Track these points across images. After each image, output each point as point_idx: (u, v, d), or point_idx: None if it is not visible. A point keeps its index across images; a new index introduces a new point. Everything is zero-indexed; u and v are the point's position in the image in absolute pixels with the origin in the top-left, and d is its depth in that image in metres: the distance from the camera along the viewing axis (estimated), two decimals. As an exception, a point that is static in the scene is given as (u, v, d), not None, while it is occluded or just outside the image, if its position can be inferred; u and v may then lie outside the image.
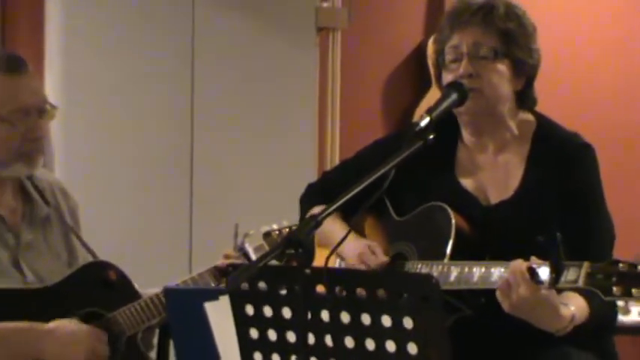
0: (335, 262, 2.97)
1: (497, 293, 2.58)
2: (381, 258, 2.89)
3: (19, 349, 2.87)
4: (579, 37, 5.28)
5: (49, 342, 2.88)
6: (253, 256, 3.21)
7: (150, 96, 4.46)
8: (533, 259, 2.55)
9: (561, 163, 2.89)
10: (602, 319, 2.77)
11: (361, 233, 3.05)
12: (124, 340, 3.02)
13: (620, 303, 2.69)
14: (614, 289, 2.40)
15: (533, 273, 2.53)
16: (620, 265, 2.41)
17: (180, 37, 4.49)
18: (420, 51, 5.06)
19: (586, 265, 2.45)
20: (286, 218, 3.30)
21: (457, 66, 2.89)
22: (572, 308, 2.66)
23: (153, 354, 3.16)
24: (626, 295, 2.40)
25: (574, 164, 2.89)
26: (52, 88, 4.24)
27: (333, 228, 2.89)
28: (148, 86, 4.46)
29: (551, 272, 2.48)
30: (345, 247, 2.82)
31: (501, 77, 2.89)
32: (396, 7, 5.12)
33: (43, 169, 3.15)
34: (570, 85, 5.16)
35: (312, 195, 3.17)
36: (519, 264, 2.56)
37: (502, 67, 2.89)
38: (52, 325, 2.90)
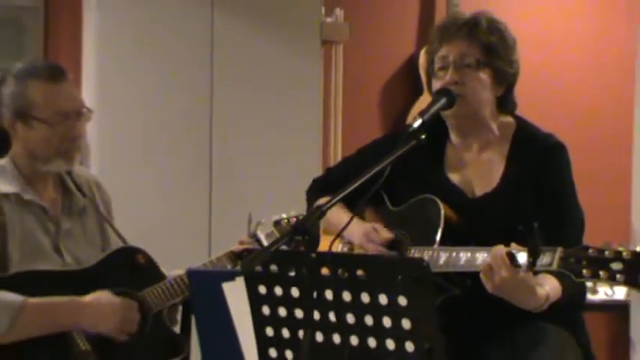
0: (338, 247, 2.96)
1: (481, 275, 2.57)
2: (384, 235, 2.89)
3: (62, 318, 2.85)
4: (554, 46, 5.26)
5: (86, 312, 2.87)
6: (265, 242, 3.21)
7: (173, 99, 4.47)
8: (513, 245, 2.54)
9: (538, 160, 2.88)
10: (573, 297, 2.76)
11: (363, 217, 3.05)
12: (152, 316, 3.00)
13: (589, 284, 2.67)
14: (584, 271, 2.40)
15: (512, 257, 2.52)
16: (590, 250, 2.40)
17: (201, 50, 4.49)
18: (412, 61, 5.06)
19: (559, 250, 2.44)
20: (294, 208, 3.30)
21: (445, 74, 2.88)
22: (547, 288, 2.65)
23: (177, 328, 3.15)
24: (595, 277, 2.40)
25: (549, 162, 2.88)
26: (88, 93, 4.24)
27: (338, 215, 2.88)
28: (172, 90, 4.47)
29: (529, 257, 2.47)
30: (351, 229, 2.81)
31: (483, 84, 2.88)
32: (391, 22, 5.11)
33: (80, 166, 3.14)
34: (546, 90, 5.14)
35: (317, 188, 3.15)
36: (500, 249, 2.54)
37: (484, 76, 2.88)
38: (89, 297, 2.89)
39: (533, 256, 2.46)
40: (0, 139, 2.70)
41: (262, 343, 2.39)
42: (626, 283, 2.36)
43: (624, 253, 2.36)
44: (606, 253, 2.38)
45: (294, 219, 3.29)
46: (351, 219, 2.68)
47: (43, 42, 4.59)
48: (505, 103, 2.96)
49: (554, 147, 2.91)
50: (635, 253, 2.35)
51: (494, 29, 2.91)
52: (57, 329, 2.84)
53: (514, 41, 2.93)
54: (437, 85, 2.90)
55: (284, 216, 3.31)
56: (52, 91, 2.95)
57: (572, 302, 2.78)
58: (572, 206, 2.88)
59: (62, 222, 3.01)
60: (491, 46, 2.88)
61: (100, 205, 3.14)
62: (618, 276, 2.36)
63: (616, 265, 2.36)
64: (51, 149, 2.95)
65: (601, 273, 2.38)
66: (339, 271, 2.27)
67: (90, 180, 3.16)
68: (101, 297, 2.91)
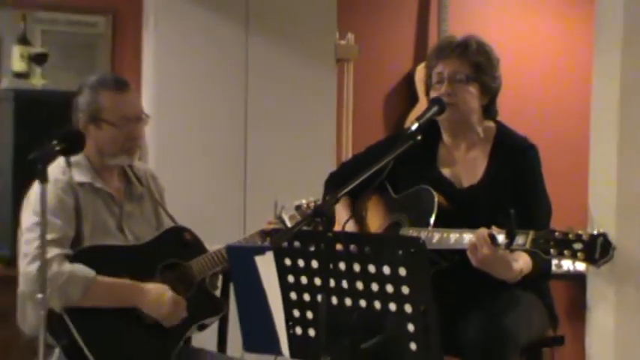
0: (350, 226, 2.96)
1: (468, 252, 2.56)
2: None
3: (124, 298, 2.83)
4: (527, 59, 5.24)
5: (144, 298, 2.84)
6: (288, 223, 3.19)
7: (215, 105, 4.46)
8: (494, 227, 2.54)
9: (514, 158, 2.87)
10: (542, 270, 2.76)
11: (366, 208, 3.03)
12: (197, 282, 3.00)
13: (555, 260, 2.66)
14: (552, 250, 2.40)
15: (492, 238, 2.52)
16: (556, 233, 2.40)
17: (238, 65, 4.48)
18: (409, 76, 5.03)
19: (532, 233, 2.44)
20: (312, 195, 3.28)
21: (440, 86, 2.88)
22: (521, 263, 2.65)
23: (217, 292, 3.14)
24: (560, 254, 2.40)
25: (523, 160, 2.87)
26: (146, 101, 4.23)
27: (339, 213, 2.88)
28: (214, 98, 4.45)
29: (506, 238, 2.47)
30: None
31: (472, 96, 2.88)
32: (393, 44, 5.09)
33: (139, 161, 3.14)
34: (522, 98, 5.12)
35: (333, 179, 3.15)
36: (483, 231, 2.54)
37: (473, 89, 2.88)
38: (149, 286, 2.86)
39: (510, 237, 2.45)
40: (77, 139, 2.68)
41: (287, 305, 2.39)
42: (585, 260, 2.36)
43: (584, 236, 2.35)
44: (569, 235, 2.38)
45: (312, 204, 3.28)
46: (348, 219, 2.74)
47: (110, 59, 4.59)
48: (489, 110, 2.95)
49: (527, 148, 2.90)
50: (592, 236, 2.34)
51: (482, 51, 2.90)
52: (118, 305, 2.81)
53: (497, 61, 2.93)
54: (433, 94, 2.90)
55: (304, 201, 3.30)
56: (119, 99, 2.95)
57: (540, 274, 2.77)
58: (541, 197, 2.87)
59: (125, 206, 3.00)
60: (479, 65, 2.87)
61: (155, 192, 3.12)
62: (579, 254, 2.35)
63: (577, 245, 2.35)
64: (117, 147, 2.94)
65: (565, 252, 2.38)
66: (351, 246, 2.27)
67: (147, 172, 3.15)
68: (159, 289, 2.87)
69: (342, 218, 2.91)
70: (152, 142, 4.28)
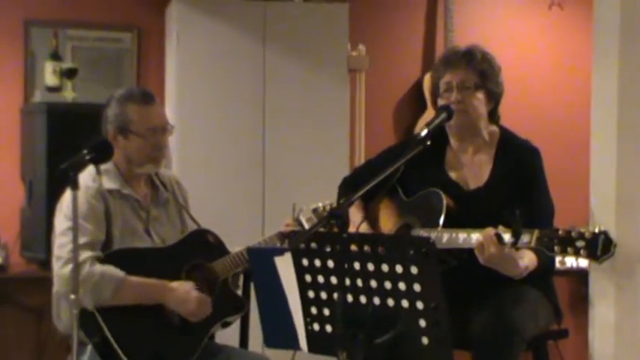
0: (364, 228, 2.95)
1: (475, 251, 2.55)
2: None
3: (152, 296, 2.83)
4: (530, 65, 5.22)
5: (171, 296, 2.84)
6: (306, 225, 3.18)
7: (234, 115, 4.46)
8: (500, 227, 2.53)
9: (518, 161, 2.86)
10: (546, 267, 2.74)
11: (378, 210, 3.02)
12: (220, 282, 3.00)
13: (559, 257, 2.65)
14: (556, 248, 2.39)
15: (499, 237, 2.51)
16: (560, 231, 2.40)
17: (255, 76, 4.48)
18: (418, 84, 5.02)
19: (536, 231, 2.43)
20: (327, 199, 3.26)
21: (449, 94, 2.87)
22: (526, 260, 2.64)
23: (239, 291, 3.14)
24: (564, 252, 2.39)
25: (526, 162, 2.86)
26: (169, 111, 4.24)
27: (354, 214, 2.86)
28: (233, 108, 4.46)
29: (512, 236, 2.46)
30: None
31: (480, 102, 2.87)
32: (402, 55, 5.08)
33: (164, 168, 3.14)
34: (525, 101, 5.10)
35: (347, 183, 3.14)
36: (489, 231, 2.53)
37: (480, 95, 2.87)
38: (176, 284, 2.86)
39: (516, 236, 2.44)
40: (105, 149, 2.68)
41: (305, 303, 2.39)
42: (587, 256, 2.35)
43: (586, 234, 2.35)
44: (572, 233, 2.37)
45: (328, 206, 3.27)
46: (362, 221, 2.73)
47: (136, 73, 4.61)
48: (493, 115, 2.94)
49: (530, 150, 2.89)
50: (594, 234, 2.34)
51: (486, 59, 2.90)
52: (147, 302, 2.82)
53: (499, 68, 2.93)
54: (442, 102, 2.89)
55: (320, 205, 3.28)
56: (145, 112, 2.95)
57: (545, 270, 2.76)
58: (544, 198, 2.86)
59: (151, 210, 3.01)
60: (484, 72, 2.87)
61: (179, 197, 3.12)
62: (582, 251, 2.35)
63: (580, 243, 2.35)
64: (144, 156, 2.95)
65: (568, 249, 2.37)
66: (365, 247, 2.26)
67: (172, 178, 3.15)
68: (185, 287, 2.87)
69: (357, 220, 2.91)
70: (175, 149, 4.29)
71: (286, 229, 3.17)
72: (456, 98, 2.83)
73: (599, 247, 2.31)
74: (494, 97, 2.90)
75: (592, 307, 2.91)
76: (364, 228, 2.91)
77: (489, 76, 2.87)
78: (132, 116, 2.93)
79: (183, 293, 2.85)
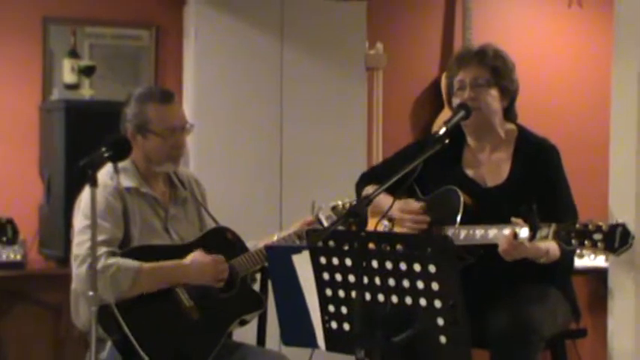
0: (382, 225, 2.94)
1: (501, 253, 2.56)
2: (413, 206, 2.85)
3: (170, 277, 2.85)
4: (548, 64, 5.20)
5: (189, 271, 2.86)
6: (325, 223, 3.18)
7: (252, 112, 4.47)
8: (513, 219, 2.55)
9: (536, 159, 2.85)
10: (566, 256, 2.74)
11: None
12: (239, 280, 3.00)
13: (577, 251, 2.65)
14: (573, 241, 2.39)
15: (516, 236, 2.52)
16: (577, 225, 2.39)
17: (273, 74, 4.49)
18: (436, 83, 5.01)
19: (554, 225, 2.44)
20: (347, 196, 3.26)
21: (463, 93, 2.87)
22: (547, 244, 2.62)
23: (256, 286, 3.13)
24: (581, 245, 2.39)
25: (545, 161, 2.86)
26: (187, 108, 4.24)
27: (384, 199, 2.83)
28: (251, 105, 4.47)
29: (529, 231, 2.46)
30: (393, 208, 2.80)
31: (493, 99, 2.87)
32: (419, 53, 5.08)
33: (183, 167, 3.15)
34: (543, 99, 5.08)
35: (364, 181, 3.14)
36: (509, 236, 2.54)
37: (493, 92, 2.87)
38: (188, 258, 2.88)
39: (533, 231, 2.45)
40: (124, 147, 2.69)
41: (323, 301, 2.39)
42: (605, 249, 2.34)
43: (603, 227, 2.34)
44: (589, 226, 2.37)
45: (347, 204, 3.26)
46: (393, 202, 2.70)
47: (154, 70, 4.62)
48: (509, 113, 2.94)
49: (548, 148, 2.89)
50: (611, 226, 2.33)
51: (499, 56, 2.90)
52: (167, 285, 2.83)
53: (513, 65, 2.93)
54: (456, 101, 2.88)
55: (339, 202, 3.28)
56: (164, 111, 2.95)
57: (565, 262, 2.76)
58: (565, 196, 2.85)
59: (170, 209, 3.01)
60: (497, 69, 2.87)
61: (198, 195, 3.13)
62: (599, 244, 2.34)
63: (597, 236, 2.34)
64: (162, 155, 2.95)
65: (586, 242, 2.37)
66: (383, 245, 2.26)
67: (190, 177, 3.16)
68: (196, 256, 2.89)
69: (385, 204, 2.85)
70: (193, 147, 4.30)
71: (304, 226, 3.16)
72: (469, 95, 2.83)
73: (617, 239, 2.31)
74: (508, 94, 2.90)
75: (611, 303, 2.91)
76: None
77: (502, 73, 2.87)
78: (151, 116, 2.93)
79: (199, 263, 2.87)
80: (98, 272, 2.60)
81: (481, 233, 2.63)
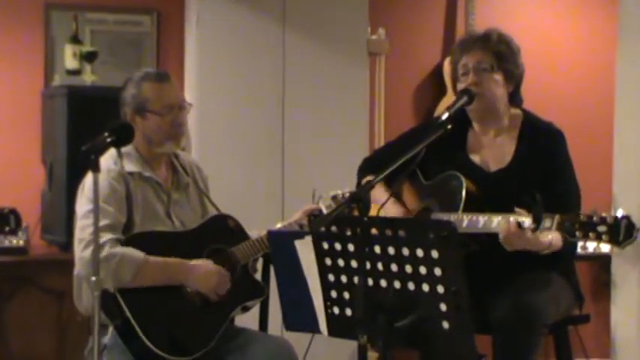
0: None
1: (500, 240, 2.54)
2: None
3: (172, 276, 2.85)
4: (552, 50, 5.17)
5: (191, 274, 2.85)
6: (325, 212, 3.16)
7: (254, 97, 4.45)
8: (517, 209, 2.52)
9: (541, 143, 2.84)
10: (569, 245, 2.72)
11: (400, 194, 3.01)
12: (240, 267, 3.00)
13: (580, 242, 2.64)
14: (577, 233, 2.38)
15: (519, 225, 2.50)
16: (581, 216, 2.39)
17: (275, 58, 4.47)
18: (438, 68, 5.00)
19: (557, 216, 2.42)
20: (347, 185, 3.25)
21: (466, 78, 2.85)
22: (550, 237, 2.61)
23: (257, 275, 3.13)
24: (585, 237, 2.37)
25: (550, 145, 2.84)
26: (189, 93, 4.23)
27: (379, 193, 2.85)
28: (253, 90, 4.44)
29: (533, 221, 2.45)
30: (386, 209, 2.80)
31: (497, 84, 2.85)
32: (422, 38, 5.06)
33: (184, 152, 3.14)
34: (547, 86, 5.06)
35: (366, 165, 3.13)
36: (512, 223, 2.52)
37: (497, 77, 2.85)
38: (194, 262, 2.87)
39: (537, 221, 2.43)
40: (126, 131, 2.67)
41: (325, 286, 2.39)
42: (609, 241, 2.33)
43: (608, 219, 2.33)
44: (594, 218, 2.35)
45: (347, 193, 3.24)
46: (388, 198, 2.69)
47: (155, 56, 4.61)
48: (514, 98, 2.92)
49: (553, 133, 2.87)
50: (615, 218, 2.32)
51: (503, 40, 2.88)
52: (168, 283, 2.83)
53: (518, 49, 2.90)
54: (460, 86, 2.87)
55: (339, 192, 3.26)
56: (160, 89, 2.95)
57: (568, 251, 2.75)
58: (570, 181, 2.83)
59: (172, 194, 3.00)
60: (501, 53, 2.85)
61: (200, 181, 3.12)
62: (604, 236, 2.33)
63: (601, 228, 2.33)
64: (163, 134, 2.95)
65: (590, 234, 2.36)
66: (385, 230, 2.26)
67: (192, 163, 3.15)
68: (203, 264, 2.88)
69: (382, 198, 2.86)
70: (194, 133, 4.29)
71: (304, 214, 3.15)
72: (472, 80, 2.82)
73: (622, 231, 2.30)
74: (513, 78, 2.88)
75: (615, 292, 2.91)
76: (392, 211, 2.89)
77: (507, 57, 2.85)
78: (148, 95, 2.94)
79: (204, 271, 2.86)
80: (102, 260, 2.60)
81: (484, 220, 2.62)
